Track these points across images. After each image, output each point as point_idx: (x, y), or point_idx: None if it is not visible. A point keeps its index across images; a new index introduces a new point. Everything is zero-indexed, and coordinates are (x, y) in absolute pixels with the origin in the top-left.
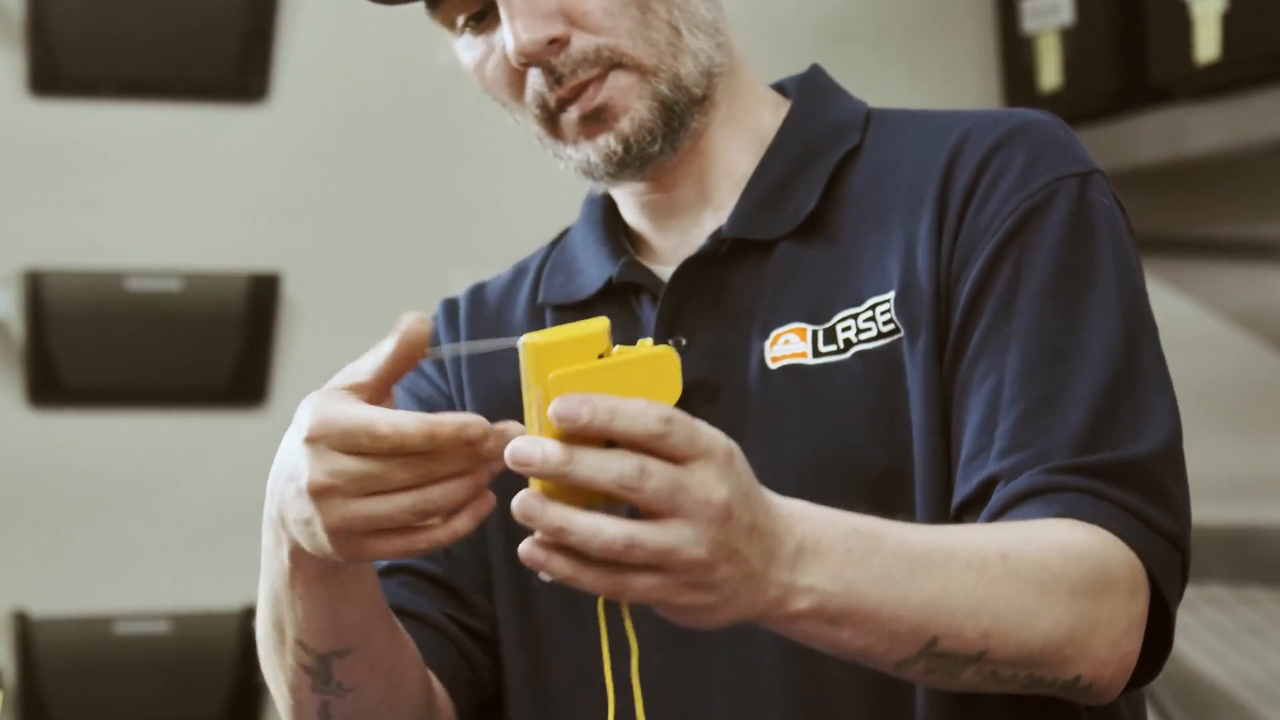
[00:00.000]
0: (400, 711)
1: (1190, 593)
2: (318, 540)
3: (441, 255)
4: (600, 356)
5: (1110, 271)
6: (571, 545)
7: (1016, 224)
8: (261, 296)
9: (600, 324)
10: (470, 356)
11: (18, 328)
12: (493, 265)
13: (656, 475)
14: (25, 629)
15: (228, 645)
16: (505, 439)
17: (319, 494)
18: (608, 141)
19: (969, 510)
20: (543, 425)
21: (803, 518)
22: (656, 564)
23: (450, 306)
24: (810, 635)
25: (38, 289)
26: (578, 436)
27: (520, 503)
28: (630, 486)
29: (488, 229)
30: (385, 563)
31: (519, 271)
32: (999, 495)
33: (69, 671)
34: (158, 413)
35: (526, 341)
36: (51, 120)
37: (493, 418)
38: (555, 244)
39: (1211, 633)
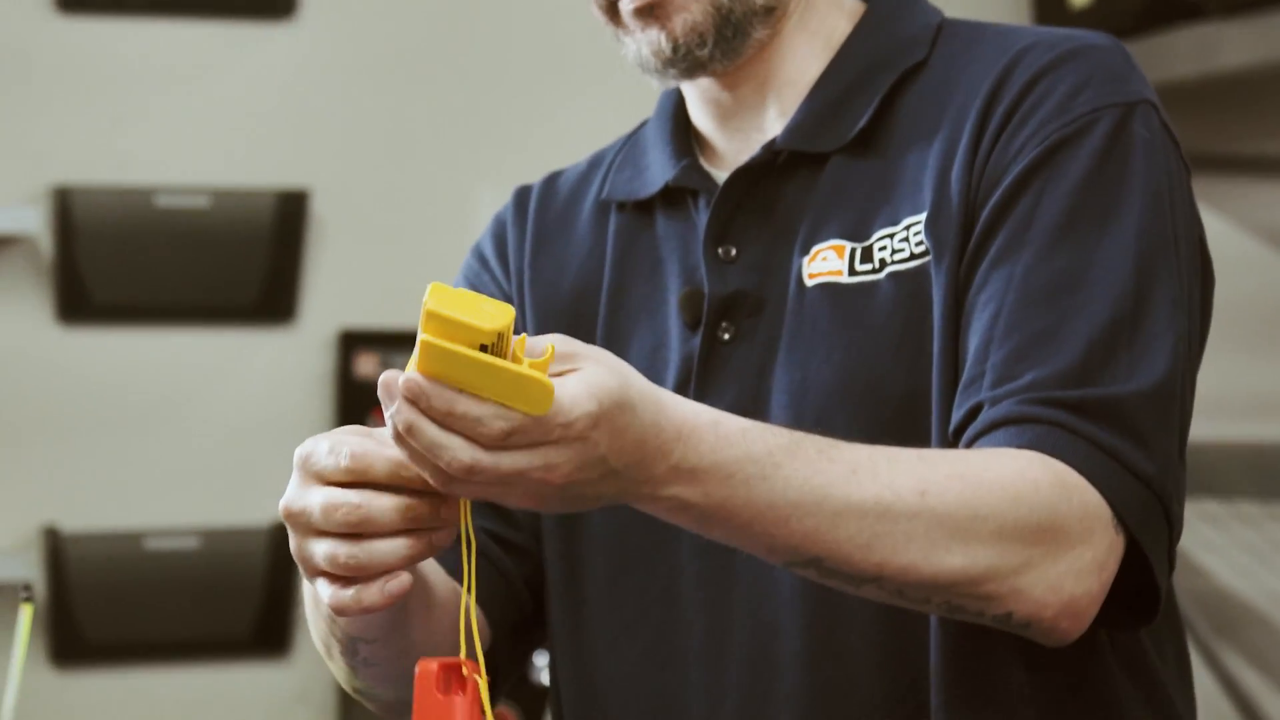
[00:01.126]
0: None
1: (1219, 509)
2: None
3: (470, 172)
4: (485, 348)
5: (1135, 206)
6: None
7: (1046, 152)
8: (289, 213)
9: (500, 319)
10: (534, 253)
11: (46, 244)
12: (523, 183)
13: (488, 471)
14: (56, 544)
15: (257, 561)
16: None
17: (287, 518)
18: (658, 38)
19: (957, 437)
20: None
21: (688, 441)
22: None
23: (522, 196)
24: (685, 526)
25: (66, 205)
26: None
27: (387, 379)
28: (467, 472)
29: (517, 146)
30: None
31: (594, 163)
32: (978, 421)
33: (99, 586)
34: (186, 329)
35: (427, 303)
36: (80, 37)
37: (545, 323)
38: (631, 136)
39: (1240, 549)
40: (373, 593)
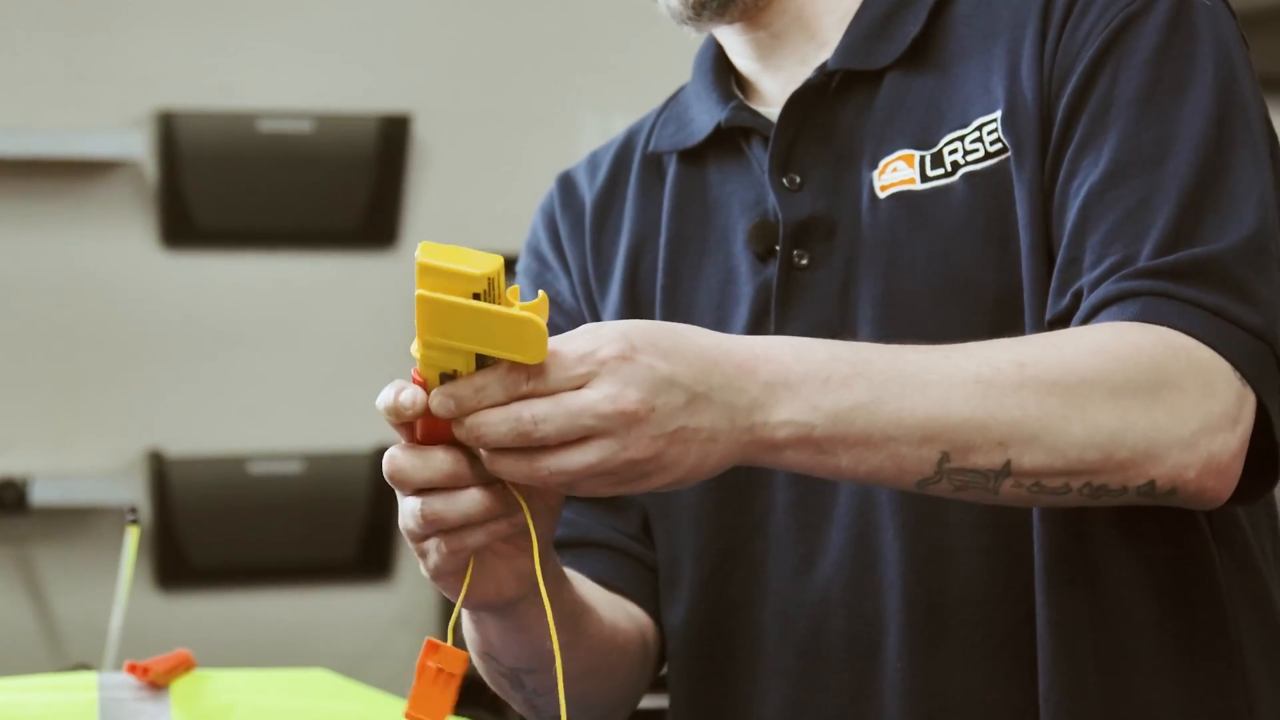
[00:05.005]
0: (611, 693)
1: None
2: None
3: (572, 97)
4: (477, 296)
5: (1208, 72)
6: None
7: (1114, 33)
8: (392, 137)
9: (490, 265)
10: (595, 229)
11: (150, 169)
12: (623, 108)
13: (550, 418)
14: (160, 468)
15: (360, 485)
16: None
17: (411, 539)
18: None
19: (1060, 325)
20: (418, 333)
21: (767, 358)
22: (597, 473)
23: (566, 181)
24: (807, 467)
25: (170, 130)
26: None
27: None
28: (529, 434)
29: (619, 70)
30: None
31: (632, 132)
32: (1082, 307)
33: (203, 510)
34: (289, 254)
35: (419, 255)
36: None
37: (609, 285)
38: (670, 99)
39: None
40: (476, 535)
